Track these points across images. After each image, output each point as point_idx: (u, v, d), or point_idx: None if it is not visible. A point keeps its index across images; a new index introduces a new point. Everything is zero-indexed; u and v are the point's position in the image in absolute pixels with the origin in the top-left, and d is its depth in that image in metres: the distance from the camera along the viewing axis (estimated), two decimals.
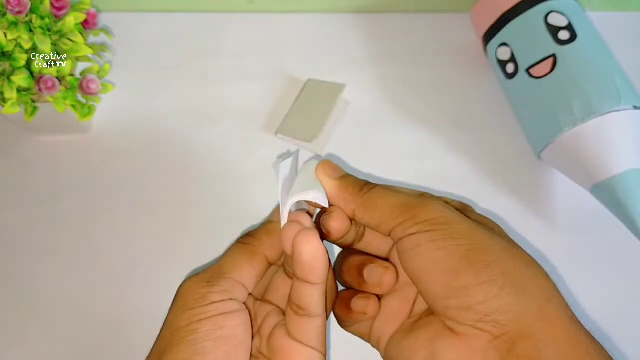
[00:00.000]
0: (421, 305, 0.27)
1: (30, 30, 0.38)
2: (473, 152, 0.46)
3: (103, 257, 0.42)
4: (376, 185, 0.27)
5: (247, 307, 0.25)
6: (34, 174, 0.45)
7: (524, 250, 0.24)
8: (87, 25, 0.41)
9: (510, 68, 0.44)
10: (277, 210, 0.29)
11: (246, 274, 0.26)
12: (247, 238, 0.27)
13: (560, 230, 0.43)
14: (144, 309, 0.40)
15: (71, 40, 0.40)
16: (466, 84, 0.49)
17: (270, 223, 0.28)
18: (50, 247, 0.42)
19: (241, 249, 0.27)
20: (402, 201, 0.25)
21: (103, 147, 0.46)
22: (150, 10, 0.52)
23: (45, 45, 0.38)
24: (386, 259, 0.29)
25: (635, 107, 0.39)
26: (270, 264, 0.27)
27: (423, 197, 0.26)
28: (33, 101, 0.40)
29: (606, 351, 0.21)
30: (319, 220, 0.28)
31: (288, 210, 0.26)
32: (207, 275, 0.25)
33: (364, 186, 0.27)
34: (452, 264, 0.22)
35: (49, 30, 0.39)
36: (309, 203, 0.28)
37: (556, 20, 0.42)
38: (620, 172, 0.38)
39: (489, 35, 0.45)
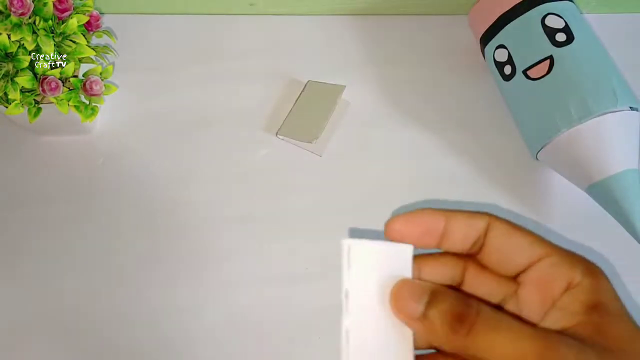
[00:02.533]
0: None
1: (34, 32, 0.39)
2: (471, 153, 0.47)
3: (104, 257, 0.42)
4: (477, 318, 0.20)
5: None
6: (37, 175, 0.45)
7: None
8: (90, 27, 0.42)
9: (507, 70, 0.44)
10: None
11: None
12: None
13: (557, 230, 0.43)
14: (145, 309, 0.41)
15: (74, 42, 0.40)
16: (464, 85, 0.50)
17: None
18: (52, 248, 0.43)
19: None
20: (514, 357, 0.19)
21: (106, 148, 0.46)
22: (153, 12, 0.52)
23: (48, 46, 0.39)
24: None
25: (632, 108, 0.39)
26: None
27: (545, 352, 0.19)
28: (36, 102, 0.40)
29: None
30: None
31: None
32: None
33: (458, 324, 0.19)
34: None
35: (52, 32, 0.40)
36: None
37: (553, 22, 0.42)
38: (617, 173, 0.38)
39: (487, 37, 0.46)
